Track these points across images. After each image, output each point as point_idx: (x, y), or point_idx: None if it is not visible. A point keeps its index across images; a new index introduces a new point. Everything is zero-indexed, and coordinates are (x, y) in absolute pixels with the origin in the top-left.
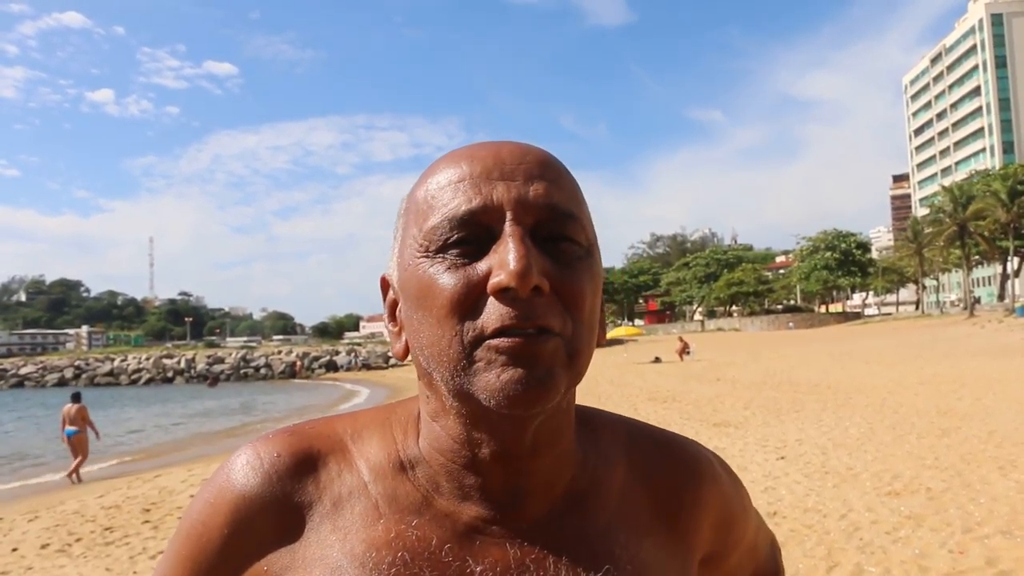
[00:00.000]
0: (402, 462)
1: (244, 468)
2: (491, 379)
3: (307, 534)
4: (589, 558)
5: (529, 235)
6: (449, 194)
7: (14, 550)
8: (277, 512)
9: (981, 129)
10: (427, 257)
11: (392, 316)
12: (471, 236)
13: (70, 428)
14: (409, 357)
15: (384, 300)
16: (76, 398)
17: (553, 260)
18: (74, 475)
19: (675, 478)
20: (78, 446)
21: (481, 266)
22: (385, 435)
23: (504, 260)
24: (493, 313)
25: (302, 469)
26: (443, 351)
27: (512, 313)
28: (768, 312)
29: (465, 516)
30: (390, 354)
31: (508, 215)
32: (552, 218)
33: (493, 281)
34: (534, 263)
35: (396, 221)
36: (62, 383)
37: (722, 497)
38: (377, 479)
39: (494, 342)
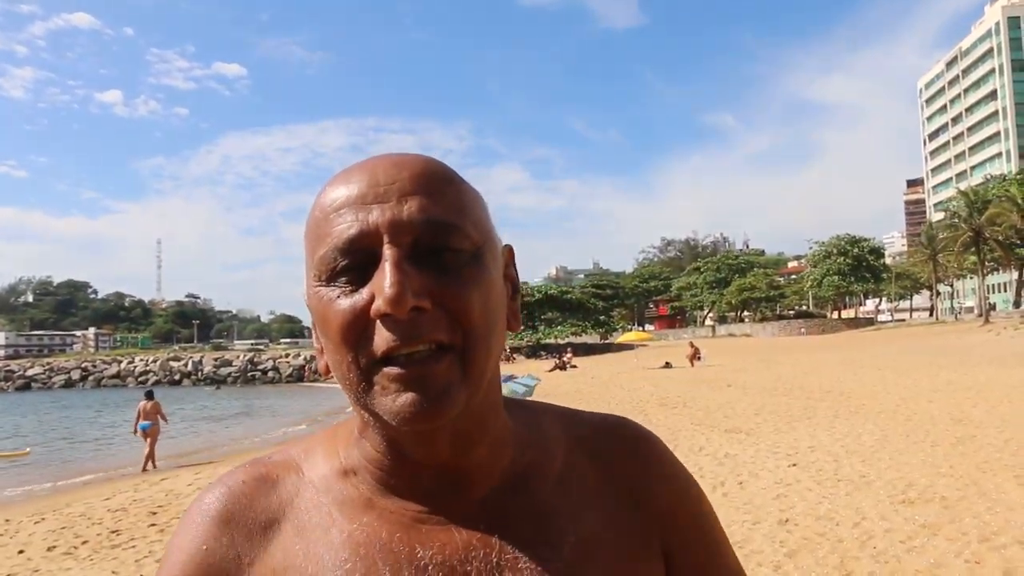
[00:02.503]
0: (345, 470)
1: (214, 496)
2: (388, 403)
3: (275, 546)
4: (532, 533)
5: (409, 253)
6: (333, 222)
7: (20, 552)
8: (248, 529)
9: (997, 133)
10: (322, 285)
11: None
12: (354, 263)
13: (145, 422)
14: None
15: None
16: (150, 395)
17: (437, 272)
18: (149, 463)
19: (620, 453)
20: (150, 437)
21: (365, 292)
22: (330, 450)
23: (380, 286)
24: (380, 338)
25: (263, 490)
26: (344, 375)
27: (395, 338)
28: (780, 318)
29: (408, 511)
30: None
31: (385, 238)
32: (429, 232)
33: (373, 308)
34: (410, 285)
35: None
36: (69, 385)
37: (672, 469)
38: (327, 489)
39: (386, 369)
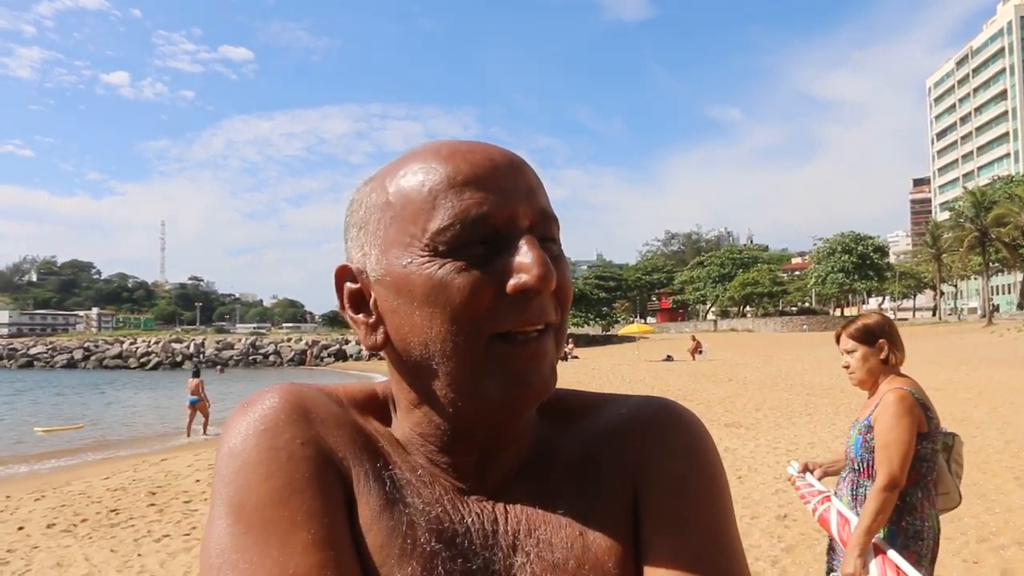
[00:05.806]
0: (398, 438)
1: (282, 397)
2: (507, 377)
3: (360, 473)
4: (540, 520)
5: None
6: (454, 196)
7: (20, 528)
8: (331, 434)
9: (1006, 134)
10: (436, 256)
11: (357, 307)
12: (481, 239)
13: (192, 397)
14: (383, 350)
15: (340, 290)
16: (196, 374)
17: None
18: (204, 430)
19: (636, 435)
20: (200, 410)
21: (494, 267)
22: (380, 409)
23: (525, 264)
24: (509, 313)
25: (336, 409)
26: (456, 348)
27: (528, 313)
28: (782, 314)
29: (439, 482)
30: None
31: (521, 221)
32: (543, 221)
33: (517, 282)
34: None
35: (362, 212)
36: (71, 364)
37: (680, 444)
38: (378, 441)
39: (506, 346)
